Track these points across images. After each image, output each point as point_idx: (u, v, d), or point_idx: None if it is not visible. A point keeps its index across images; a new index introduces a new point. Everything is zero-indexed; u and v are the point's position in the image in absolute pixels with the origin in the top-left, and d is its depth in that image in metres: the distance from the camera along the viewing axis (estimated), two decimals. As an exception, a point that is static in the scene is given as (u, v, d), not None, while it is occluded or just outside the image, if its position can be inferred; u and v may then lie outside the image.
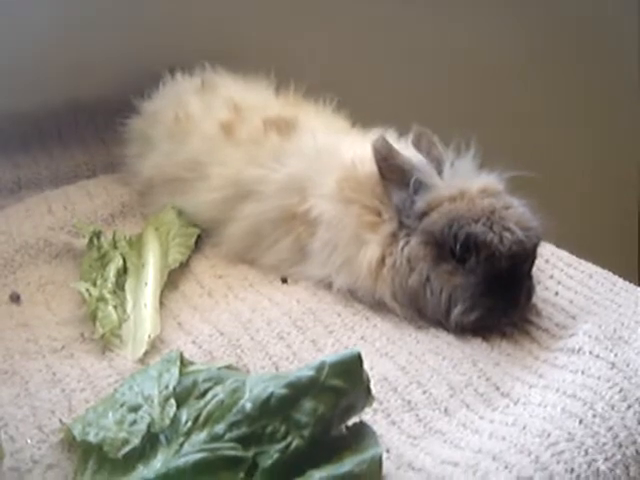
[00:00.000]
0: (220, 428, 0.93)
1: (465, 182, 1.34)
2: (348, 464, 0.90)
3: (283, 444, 0.91)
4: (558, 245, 1.55)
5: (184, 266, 1.51)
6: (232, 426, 0.93)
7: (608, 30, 2.72)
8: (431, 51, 2.33)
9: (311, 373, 0.93)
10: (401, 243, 1.34)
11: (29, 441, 1.05)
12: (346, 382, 0.93)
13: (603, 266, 1.49)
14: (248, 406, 0.93)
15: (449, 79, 2.38)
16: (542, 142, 2.61)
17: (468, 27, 2.40)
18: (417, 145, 1.42)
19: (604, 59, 2.73)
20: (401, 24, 2.27)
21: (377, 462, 0.91)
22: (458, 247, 1.28)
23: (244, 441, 0.92)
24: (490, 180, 1.37)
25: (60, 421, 1.07)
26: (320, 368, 0.93)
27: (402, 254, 1.33)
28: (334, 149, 1.48)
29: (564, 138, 2.69)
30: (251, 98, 1.68)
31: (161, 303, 1.38)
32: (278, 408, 0.92)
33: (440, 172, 1.36)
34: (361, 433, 0.95)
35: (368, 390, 0.96)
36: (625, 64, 2.80)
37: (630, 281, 1.45)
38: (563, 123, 2.68)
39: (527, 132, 2.56)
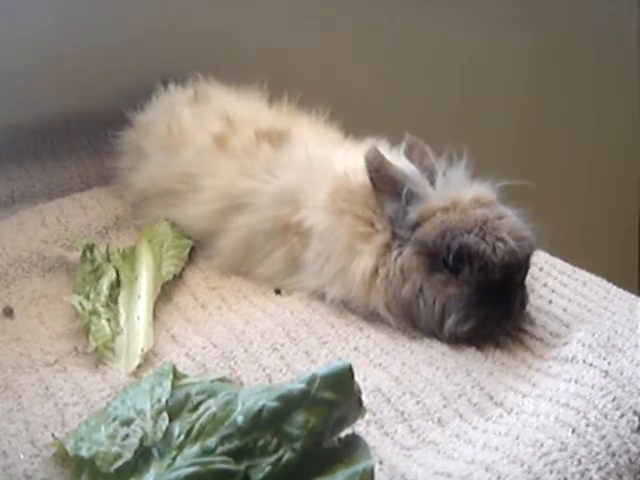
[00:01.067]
0: (212, 442, 0.93)
1: (458, 192, 1.34)
2: (340, 476, 0.89)
3: (275, 457, 0.90)
4: (554, 253, 1.55)
5: (177, 278, 1.51)
6: (224, 439, 0.93)
7: (607, 34, 2.72)
8: (424, 63, 2.34)
9: (302, 386, 0.93)
10: (394, 254, 1.34)
11: (22, 456, 1.05)
12: (337, 394, 0.93)
13: (602, 273, 1.49)
14: (240, 419, 0.93)
15: (442, 89, 2.39)
16: (538, 150, 2.61)
17: (460, 38, 2.41)
18: (409, 155, 1.43)
19: (602, 68, 2.74)
20: (394, 37, 2.28)
21: (369, 474, 0.90)
22: (451, 258, 1.28)
23: (236, 454, 0.91)
24: (483, 190, 1.37)
25: (53, 435, 1.07)
26: (311, 381, 0.93)
27: (395, 265, 1.33)
28: (326, 160, 1.48)
29: (561, 145, 2.70)
30: (244, 109, 1.68)
31: (154, 316, 1.38)
32: (270, 421, 0.92)
33: (432, 182, 1.36)
34: (353, 445, 0.95)
35: (360, 402, 0.96)
36: (625, 74, 2.80)
37: (630, 288, 1.45)
38: (559, 130, 2.69)
39: (522, 141, 2.56)
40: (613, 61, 2.73)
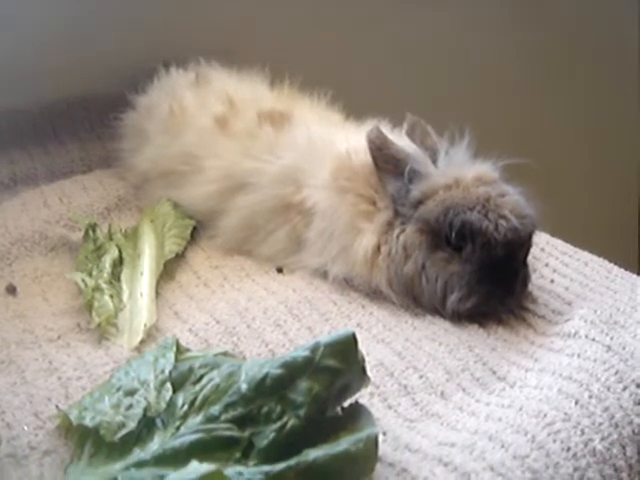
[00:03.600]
0: (216, 409, 0.93)
1: (460, 170, 1.34)
2: (344, 443, 0.89)
3: (279, 424, 0.90)
4: (556, 233, 1.55)
5: (180, 257, 1.51)
6: (228, 407, 0.93)
7: (608, 27, 2.73)
8: (424, 43, 2.34)
9: (306, 353, 0.93)
10: (396, 231, 1.34)
11: (26, 428, 1.05)
12: (341, 362, 0.93)
13: (603, 254, 1.49)
14: (243, 387, 0.93)
15: (443, 70, 2.39)
16: (540, 129, 2.62)
17: (464, 19, 2.42)
18: (411, 135, 1.43)
19: (605, 53, 2.74)
20: (394, 17, 2.28)
21: (373, 441, 0.90)
22: (453, 235, 1.28)
23: (240, 422, 0.92)
24: (485, 168, 1.37)
25: (57, 407, 1.07)
26: (315, 348, 0.93)
27: (397, 242, 1.33)
28: (328, 140, 1.48)
29: (563, 126, 2.70)
30: (245, 92, 1.68)
31: (157, 293, 1.37)
32: (273, 388, 0.92)
33: (435, 161, 1.36)
34: (357, 414, 0.95)
35: (363, 370, 0.96)
36: (625, 61, 2.80)
37: (630, 269, 1.45)
38: (561, 112, 2.69)
39: (525, 122, 2.57)
40: (617, 42, 2.74)
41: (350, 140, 1.45)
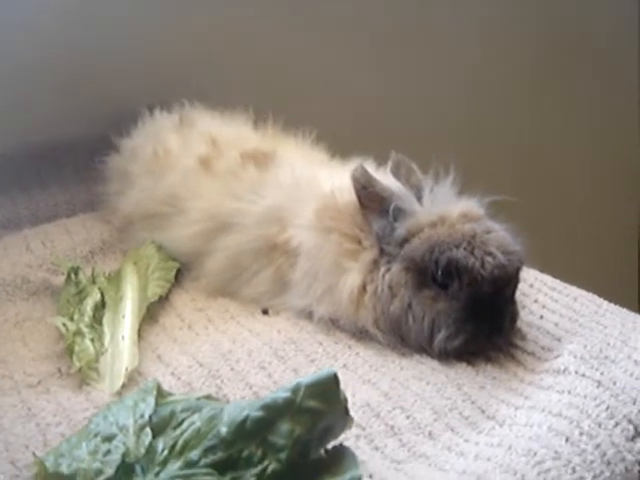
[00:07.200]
0: (195, 454, 0.91)
1: (445, 208, 1.33)
2: (326, 486, 0.87)
3: (260, 468, 0.88)
4: (549, 271, 1.54)
5: (164, 300, 1.49)
6: (207, 451, 0.91)
7: (607, 36, 2.74)
8: (408, 82, 2.36)
9: (287, 395, 0.91)
10: (382, 270, 1.32)
11: (2, 477, 1.02)
12: (323, 403, 0.91)
13: (599, 290, 1.48)
14: (223, 430, 0.91)
15: (429, 107, 2.40)
16: (533, 164, 2.62)
17: (448, 54, 2.43)
18: (396, 173, 1.42)
19: (602, 73, 2.75)
20: (377, 56, 2.30)
21: (356, 484, 0.88)
22: (440, 273, 1.27)
23: (220, 466, 0.89)
24: (470, 205, 1.36)
25: (33, 454, 1.04)
26: (296, 389, 0.91)
27: (383, 281, 1.32)
28: (312, 180, 1.48)
29: (558, 160, 2.70)
30: (229, 132, 1.68)
31: (140, 336, 1.36)
32: (254, 431, 0.90)
33: (420, 198, 1.35)
34: (340, 456, 0.93)
35: (346, 411, 0.94)
36: (625, 77, 2.82)
37: (629, 302, 1.44)
38: (553, 145, 2.70)
39: (516, 156, 2.57)
40: (613, 62, 2.75)
41: (335, 179, 1.44)
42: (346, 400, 0.94)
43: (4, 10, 1.83)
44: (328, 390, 0.92)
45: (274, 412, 0.90)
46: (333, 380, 0.93)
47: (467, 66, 2.48)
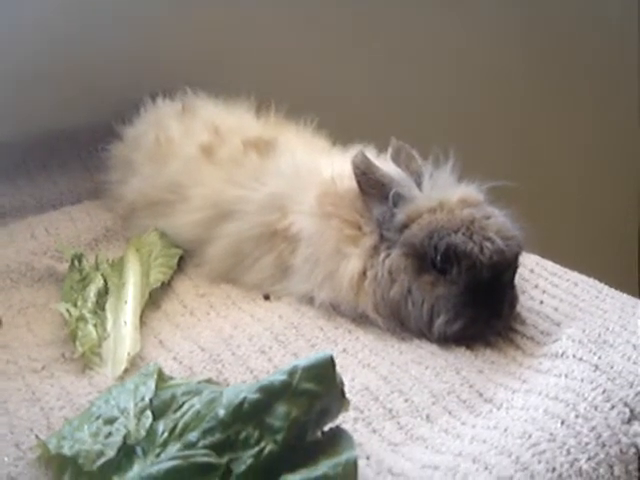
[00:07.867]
0: (194, 436, 0.92)
1: (444, 193, 1.34)
2: (322, 467, 0.88)
3: (257, 449, 0.90)
4: (552, 257, 1.54)
5: (166, 286, 1.51)
6: (205, 433, 0.92)
7: (607, 33, 2.73)
8: (409, 70, 2.35)
9: (284, 377, 0.92)
10: (382, 256, 1.33)
11: (6, 459, 1.04)
12: (319, 385, 0.92)
13: (600, 275, 1.48)
14: (221, 412, 0.92)
15: (428, 96, 2.40)
16: (533, 150, 2.62)
17: (447, 45, 2.43)
18: (395, 159, 1.43)
19: (601, 63, 2.75)
20: (378, 45, 2.30)
21: (352, 465, 0.89)
22: (439, 258, 1.28)
23: (218, 447, 0.91)
24: (469, 191, 1.37)
25: (36, 437, 1.06)
26: (293, 372, 0.92)
27: (383, 266, 1.33)
28: (313, 167, 1.48)
29: (557, 146, 2.70)
30: (231, 120, 1.69)
31: (142, 322, 1.37)
32: (251, 413, 0.91)
33: (419, 184, 1.36)
34: (337, 438, 0.94)
35: (342, 393, 0.95)
36: (624, 73, 2.81)
37: (629, 287, 1.44)
38: (554, 131, 2.69)
39: (516, 142, 2.57)
40: (614, 61, 2.75)
41: (335, 166, 1.45)
42: (342, 382, 0.95)
43: (7, 1, 1.84)
44: (324, 372, 0.93)
45: (271, 394, 0.92)
46: (329, 362, 0.94)
47: (468, 53, 2.48)
